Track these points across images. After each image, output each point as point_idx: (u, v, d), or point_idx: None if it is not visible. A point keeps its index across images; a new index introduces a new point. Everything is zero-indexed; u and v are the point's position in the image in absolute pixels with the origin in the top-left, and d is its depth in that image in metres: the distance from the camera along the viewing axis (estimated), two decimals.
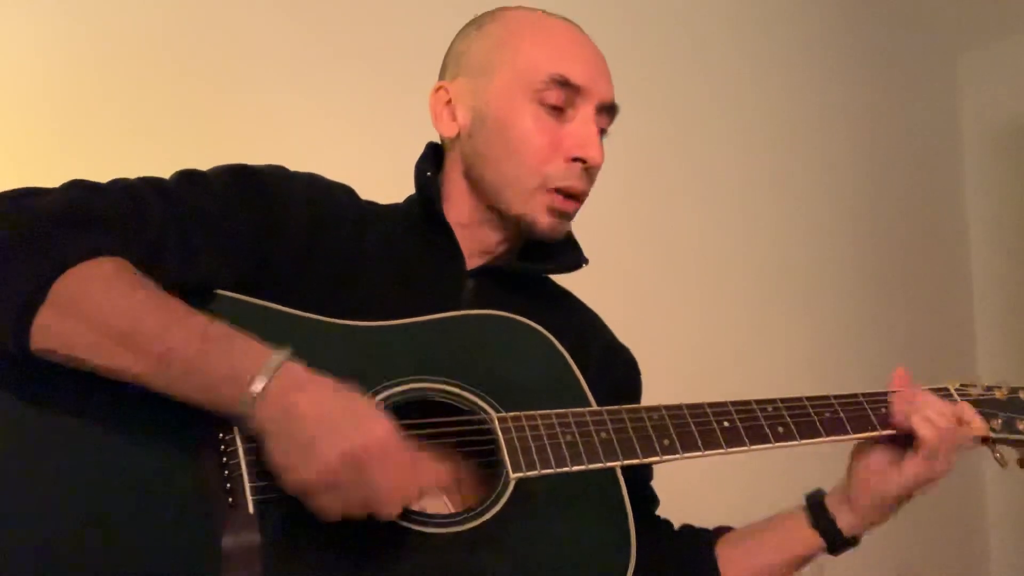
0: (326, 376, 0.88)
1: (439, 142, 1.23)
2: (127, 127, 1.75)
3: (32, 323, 0.85)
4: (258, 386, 0.85)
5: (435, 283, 1.12)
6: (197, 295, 0.96)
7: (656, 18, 2.46)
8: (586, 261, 1.21)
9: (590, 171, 1.14)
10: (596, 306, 1.30)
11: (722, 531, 1.23)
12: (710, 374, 2.16)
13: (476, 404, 1.00)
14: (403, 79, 2.01)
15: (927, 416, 1.09)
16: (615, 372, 1.22)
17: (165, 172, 1.05)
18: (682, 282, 2.39)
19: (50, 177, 0.99)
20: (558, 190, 1.12)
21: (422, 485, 0.89)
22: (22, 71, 1.69)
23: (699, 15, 2.55)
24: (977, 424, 1.11)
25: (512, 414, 0.99)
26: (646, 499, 1.25)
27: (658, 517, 1.26)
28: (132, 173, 1.03)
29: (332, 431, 0.84)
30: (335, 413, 0.86)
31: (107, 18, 1.78)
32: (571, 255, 1.21)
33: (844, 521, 1.14)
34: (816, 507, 1.16)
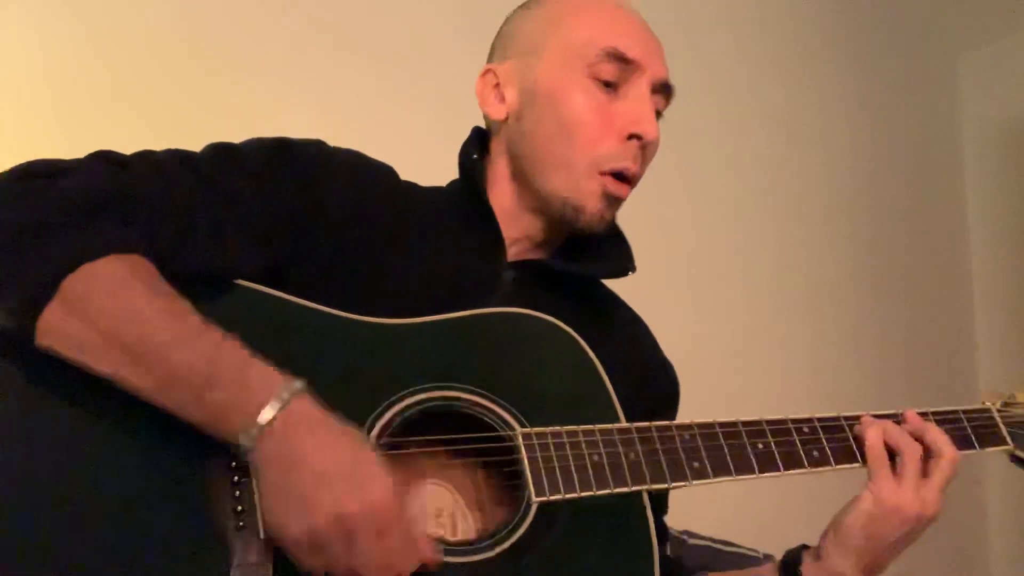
0: (334, 418, 0.84)
1: (484, 127, 1.18)
2: (126, 123, 1.75)
3: (39, 318, 0.81)
4: (264, 418, 0.80)
5: (472, 273, 1.07)
6: (220, 285, 0.92)
7: (654, 18, 2.45)
8: (633, 269, 1.15)
9: (646, 150, 1.09)
10: None
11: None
12: (709, 376, 2.15)
13: (500, 417, 0.96)
14: (405, 71, 2.01)
15: (885, 428, 1.03)
16: (653, 389, 1.16)
17: None
18: (680, 285, 2.38)
19: None
20: (611, 173, 1.07)
21: (413, 564, 0.84)
22: (22, 67, 1.69)
23: (697, 16, 2.54)
24: (949, 457, 1.03)
25: (537, 430, 0.95)
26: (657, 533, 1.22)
27: (665, 553, 1.21)
28: None
29: (330, 487, 0.80)
30: (338, 467, 0.81)
31: (108, 14, 1.77)
32: (618, 260, 1.15)
33: (808, 569, 1.06)
34: (788, 555, 1.09)
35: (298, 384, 0.83)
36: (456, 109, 1.23)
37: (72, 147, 1.06)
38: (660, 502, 1.18)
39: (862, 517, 1.01)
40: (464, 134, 1.18)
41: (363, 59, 2.00)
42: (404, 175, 1.16)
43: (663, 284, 2.35)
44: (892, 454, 1.03)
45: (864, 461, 1.03)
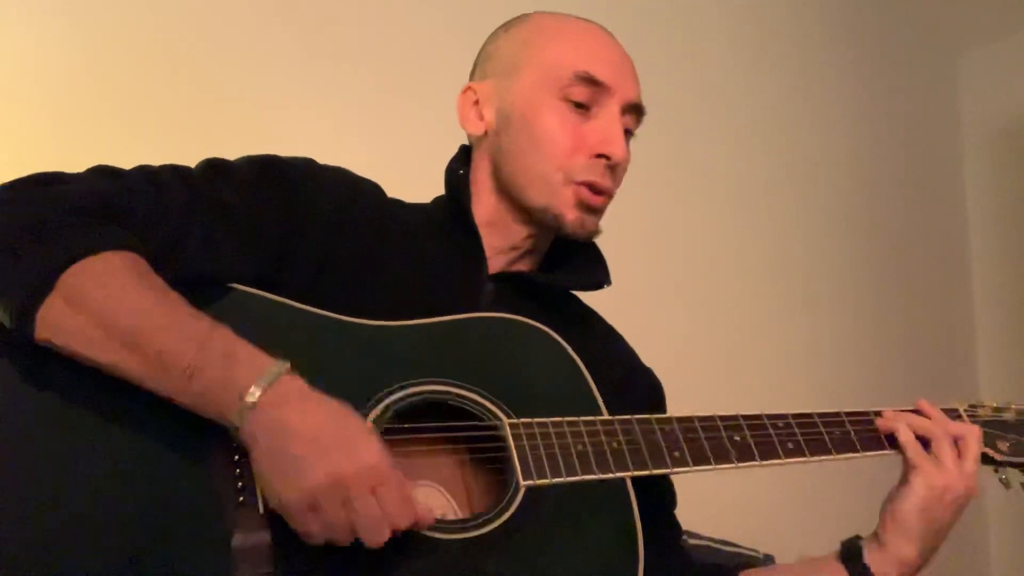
0: (322, 394, 0.88)
1: (468, 144, 1.23)
2: (126, 128, 1.75)
3: (37, 311, 0.85)
4: (252, 396, 0.84)
5: (455, 285, 1.12)
6: (213, 287, 0.96)
7: (653, 17, 2.46)
8: (608, 283, 1.20)
9: (615, 169, 1.14)
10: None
11: (748, 572, 1.21)
12: (705, 377, 2.16)
13: (488, 409, 1.00)
14: (403, 81, 2.02)
15: (909, 421, 1.10)
16: (636, 392, 1.20)
17: None
18: (677, 284, 2.39)
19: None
20: (584, 183, 1.12)
21: (408, 519, 0.87)
22: (20, 71, 1.69)
23: (697, 15, 2.55)
24: (974, 433, 1.11)
25: (524, 420, 0.98)
26: (670, 527, 1.24)
27: (682, 547, 1.25)
28: None
29: (323, 451, 0.83)
30: (328, 433, 0.85)
31: (107, 18, 1.78)
32: (594, 273, 1.20)
33: (872, 558, 1.10)
34: (847, 546, 1.13)
35: (284, 364, 0.87)
36: (444, 127, 1.27)
37: (68, 152, 1.08)
38: (668, 494, 1.23)
39: (918, 503, 1.08)
40: (447, 149, 1.22)
41: (359, 72, 2.02)
42: (392, 189, 1.18)
43: (661, 285, 2.35)
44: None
45: (835, 451, 1.08)
